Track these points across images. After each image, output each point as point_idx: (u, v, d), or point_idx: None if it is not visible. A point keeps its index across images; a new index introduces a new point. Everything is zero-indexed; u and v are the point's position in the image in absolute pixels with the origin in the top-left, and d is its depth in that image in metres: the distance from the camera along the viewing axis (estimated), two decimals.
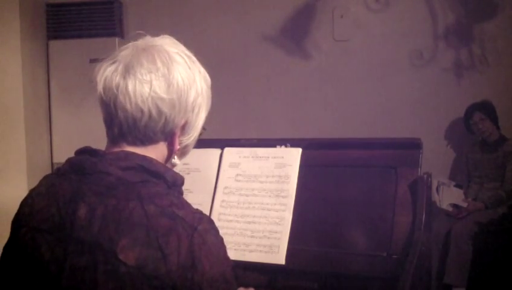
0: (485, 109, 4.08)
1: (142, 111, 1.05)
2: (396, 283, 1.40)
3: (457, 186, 4.10)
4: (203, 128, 1.19)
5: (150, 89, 1.04)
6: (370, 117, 4.34)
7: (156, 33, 1.16)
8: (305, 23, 4.43)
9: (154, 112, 1.05)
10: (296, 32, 4.48)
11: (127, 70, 1.06)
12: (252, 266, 1.62)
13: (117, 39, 4.33)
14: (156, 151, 1.11)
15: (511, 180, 3.97)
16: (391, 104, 4.36)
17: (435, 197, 3.96)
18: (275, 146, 1.77)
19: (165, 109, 1.06)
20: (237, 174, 1.75)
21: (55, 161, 4.43)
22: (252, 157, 1.76)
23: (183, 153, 1.18)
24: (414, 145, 1.65)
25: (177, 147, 1.12)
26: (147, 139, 1.08)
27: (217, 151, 1.82)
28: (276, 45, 4.50)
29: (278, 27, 4.50)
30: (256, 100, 4.55)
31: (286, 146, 1.76)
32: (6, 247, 1.14)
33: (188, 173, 1.81)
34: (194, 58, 1.14)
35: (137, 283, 0.97)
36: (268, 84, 4.54)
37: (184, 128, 1.12)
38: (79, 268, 1.00)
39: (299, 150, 1.72)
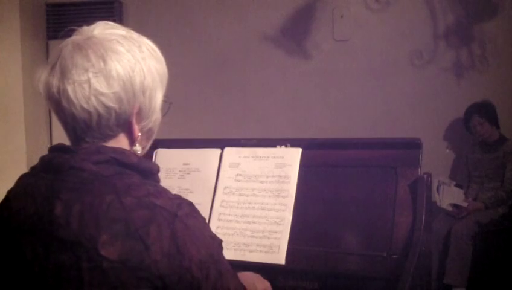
0: (483, 111, 4.07)
1: (89, 112, 1.04)
2: (396, 283, 1.40)
3: (458, 186, 4.10)
4: (169, 102, 1.17)
5: (90, 88, 1.03)
6: (370, 117, 4.34)
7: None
8: (305, 23, 4.43)
9: (101, 110, 1.04)
10: (296, 32, 4.48)
11: (64, 74, 1.05)
12: (252, 266, 1.61)
13: None
14: (119, 145, 1.09)
15: (511, 180, 3.97)
16: (391, 104, 4.36)
17: (435, 197, 3.96)
18: (275, 146, 1.77)
19: (111, 103, 1.04)
20: (237, 174, 1.75)
21: None
22: (252, 157, 1.76)
23: (148, 137, 1.16)
24: (414, 145, 1.65)
25: (137, 134, 1.11)
26: (105, 136, 1.07)
27: (217, 151, 1.82)
28: (276, 45, 4.50)
29: (278, 27, 4.49)
30: (256, 100, 4.55)
31: (286, 146, 1.76)
32: None
33: (188, 173, 1.81)
34: (135, 36, 1.10)
35: (123, 277, 0.97)
36: (268, 84, 4.53)
37: (140, 114, 1.09)
38: (63, 266, 1.00)
39: (299, 150, 1.72)
